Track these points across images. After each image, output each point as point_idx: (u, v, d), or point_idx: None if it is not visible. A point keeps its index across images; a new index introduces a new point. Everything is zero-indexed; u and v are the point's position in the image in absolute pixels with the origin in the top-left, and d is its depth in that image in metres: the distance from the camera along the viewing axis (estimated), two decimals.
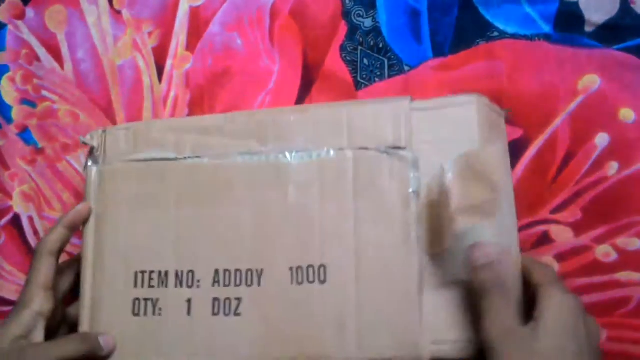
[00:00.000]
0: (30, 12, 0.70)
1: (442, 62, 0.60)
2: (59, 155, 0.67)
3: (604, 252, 0.55)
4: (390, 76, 0.61)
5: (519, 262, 0.47)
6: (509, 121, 0.57)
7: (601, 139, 0.56)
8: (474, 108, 0.48)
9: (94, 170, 0.54)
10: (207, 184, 0.52)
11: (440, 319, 0.46)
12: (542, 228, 0.56)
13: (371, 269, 0.48)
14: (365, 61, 0.62)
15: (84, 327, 0.51)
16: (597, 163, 0.56)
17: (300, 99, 0.63)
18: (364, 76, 0.62)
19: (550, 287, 0.44)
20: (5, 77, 0.70)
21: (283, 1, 0.64)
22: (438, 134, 0.48)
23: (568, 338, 0.41)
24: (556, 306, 0.42)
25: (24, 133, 0.69)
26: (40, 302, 0.50)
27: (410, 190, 0.48)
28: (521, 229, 0.56)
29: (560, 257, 0.56)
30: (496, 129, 0.49)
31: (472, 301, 0.45)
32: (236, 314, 0.49)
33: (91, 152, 0.54)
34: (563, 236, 0.56)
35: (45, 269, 0.51)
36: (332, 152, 0.50)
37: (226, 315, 0.49)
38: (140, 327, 0.50)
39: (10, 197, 0.68)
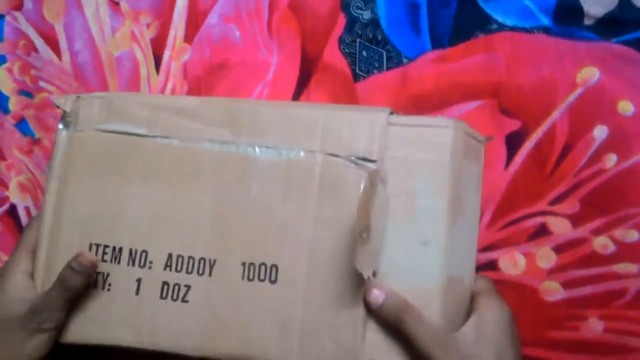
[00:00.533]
0: (28, 2, 0.69)
1: (441, 55, 0.60)
2: None
3: (602, 244, 0.55)
4: (388, 68, 0.61)
5: (469, 291, 0.47)
6: (508, 113, 0.58)
7: (600, 131, 0.56)
8: (449, 133, 0.46)
9: (63, 134, 0.52)
10: (173, 166, 0.51)
11: (384, 338, 0.46)
12: (540, 220, 0.56)
13: (322, 277, 0.47)
14: (364, 53, 0.62)
15: (38, 288, 0.50)
16: (596, 155, 0.56)
17: (299, 91, 0.63)
18: (363, 68, 0.62)
19: (487, 296, 0.46)
20: (2, 68, 0.70)
21: None
22: (410, 152, 0.47)
23: (507, 344, 0.43)
24: (495, 314, 0.44)
25: (21, 124, 0.69)
26: (27, 263, 0.51)
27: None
28: (519, 220, 0.57)
29: (558, 249, 0.56)
30: (472, 156, 0.48)
31: (394, 330, 0.45)
32: (184, 301, 0.49)
33: (63, 117, 0.53)
34: (561, 228, 0.56)
35: (33, 235, 0.51)
36: (302, 154, 0.49)
37: (174, 300, 0.49)
38: (88, 299, 0.50)
39: (6, 187, 0.68)
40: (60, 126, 0.52)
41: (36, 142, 0.68)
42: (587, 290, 0.55)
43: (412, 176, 0.46)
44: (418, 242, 0.45)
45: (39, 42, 0.69)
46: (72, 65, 0.68)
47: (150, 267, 0.49)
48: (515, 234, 0.57)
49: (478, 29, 0.59)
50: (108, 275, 0.50)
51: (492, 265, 0.57)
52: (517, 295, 0.56)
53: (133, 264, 0.50)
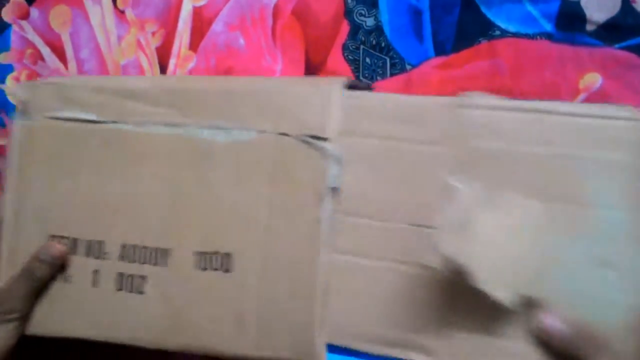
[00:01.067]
0: (34, 11, 0.70)
1: (444, 61, 0.60)
2: None
3: None
4: (392, 75, 0.61)
5: None
6: None
7: None
8: (635, 126, 0.40)
9: (18, 124, 0.51)
10: (124, 152, 0.49)
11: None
12: None
13: (276, 264, 0.45)
14: (368, 60, 0.62)
15: (1, 280, 0.50)
16: None
17: None
18: (366, 75, 0.62)
19: None
20: (9, 77, 0.70)
21: (285, 1, 0.64)
22: (579, 149, 0.40)
23: None
24: None
25: None
26: None
27: (327, 186, 0.45)
28: None
29: None
30: None
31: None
32: (139, 292, 0.48)
33: (18, 106, 0.52)
34: None
35: None
36: (253, 134, 0.46)
37: (129, 292, 0.48)
38: (50, 291, 0.49)
39: None
40: (16, 116, 0.52)
41: None
42: None
43: (582, 179, 0.40)
44: (595, 263, 0.38)
45: (45, 51, 0.70)
46: (78, 74, 0.69)
47: (105, 258, 0.49)
48: None
49: (481, 35, 0.59)
50: (67, 267, 0.50)
51: None
52: None
53: (89, 255, 0.49)
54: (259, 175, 0.46)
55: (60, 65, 0.69)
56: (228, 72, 0.65)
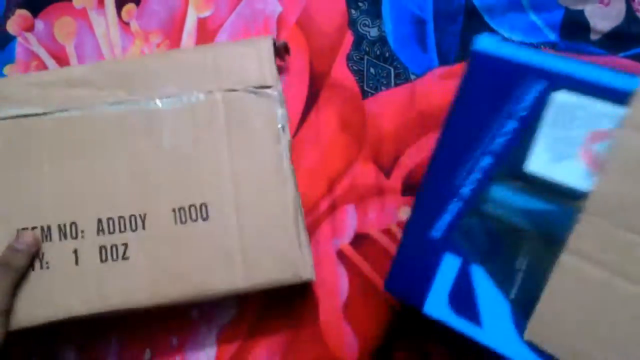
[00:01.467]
0: (39, 23, 0.70)
1: (448, 70, 0.60)
2: None
3: None
4: (396, 85, 0.61)
5: None
6: None
7: None
8: None
9: None
10: (79, 137, 0.52)
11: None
12: None
13: (250, 200, 0.50)
14: (372, 70, 0.62)
15: None
16: None
17: (307, 109, 0.63)
18: (371, 85, 0.62)
19: None
20: None
21: (289, 12, 0.65)
22: None
23: None
24: None
25: None
26: None
27: (279, 125, 0.51)
28: None
29: None
30: None
31: None
32: (124, 259, 0.50)
33: None
34: None
35: None
36: (202, 96, 0.52)
37: (114, 260, 0.50)
38: (30, 282, 0.51)
39: None
40: None
41: None
42: None
43: None
44: None
45: (50, 63, 0.70)
46: None
47: (83, 237, 0.51)
48: None
49: None
50: (43, 254, 0.51)
51: None
52: None
53: (65, 238, 0.51)
54: (216, 130, 0.51)
55: None
56: None
